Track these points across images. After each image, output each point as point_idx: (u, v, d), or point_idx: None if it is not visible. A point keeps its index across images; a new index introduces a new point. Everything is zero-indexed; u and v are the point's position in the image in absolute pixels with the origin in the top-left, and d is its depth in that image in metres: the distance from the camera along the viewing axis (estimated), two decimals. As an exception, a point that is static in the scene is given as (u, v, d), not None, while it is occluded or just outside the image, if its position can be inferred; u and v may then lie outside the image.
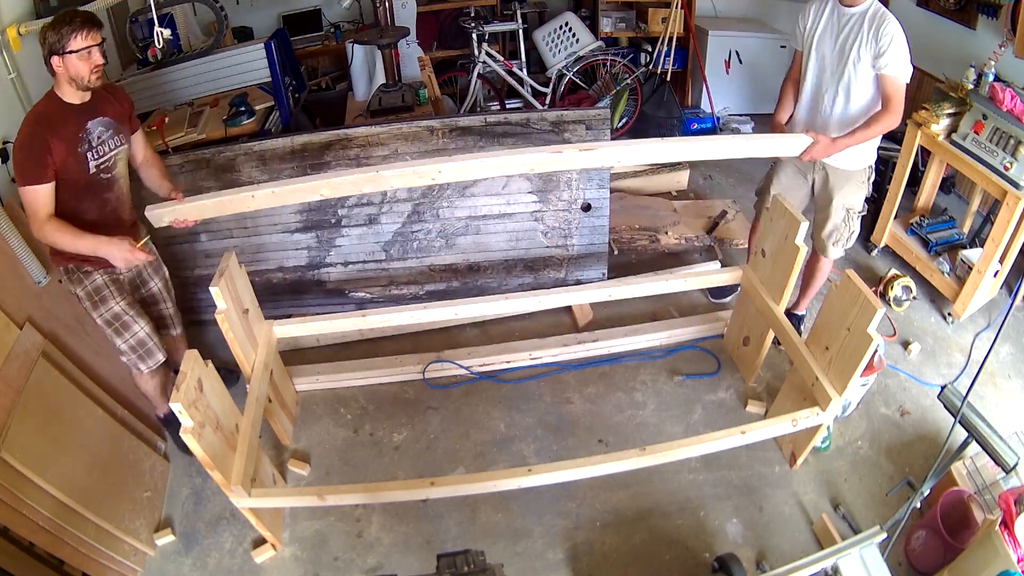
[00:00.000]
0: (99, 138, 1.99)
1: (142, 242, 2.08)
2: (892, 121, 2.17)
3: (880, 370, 2.43)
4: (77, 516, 1.93)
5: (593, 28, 4.69)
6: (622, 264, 3.30)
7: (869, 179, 2.44)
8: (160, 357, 2.22)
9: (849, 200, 2.45)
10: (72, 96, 1.92)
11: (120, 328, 2.11)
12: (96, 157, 1.98)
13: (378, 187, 2.23)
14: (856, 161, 2.36)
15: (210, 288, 2.06)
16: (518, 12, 4.40)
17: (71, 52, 1.84)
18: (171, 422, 2.38)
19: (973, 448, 1.84)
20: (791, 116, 2.51)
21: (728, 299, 3.06)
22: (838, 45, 2.24)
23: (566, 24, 4.51)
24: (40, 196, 1.86)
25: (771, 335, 2.48)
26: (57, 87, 1.91)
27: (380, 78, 3.49)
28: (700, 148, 2.37)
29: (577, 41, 4.47)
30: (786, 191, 2.51)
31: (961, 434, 1.81)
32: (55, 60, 1.85)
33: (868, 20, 2.15)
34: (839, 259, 2.63)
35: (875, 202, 2.90)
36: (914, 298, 3.04)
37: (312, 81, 4.56)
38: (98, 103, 1.99)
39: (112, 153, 2.04)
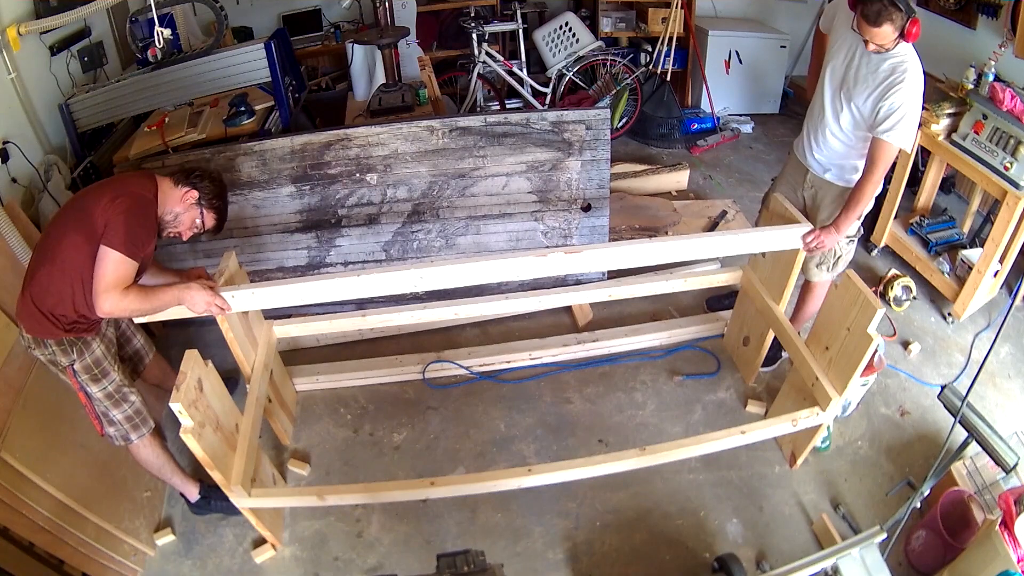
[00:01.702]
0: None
1: (213, 278, 2.02)
2: (874, 188, 2.07)
3: (880, 370, 2.43)
4: (77, 516, 1.93)
5: (593, 28, 4.70)
6: (622, 264, 3.30)
7: None
8: (152, 423, 2.06)
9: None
10: (160, 212, 1.90)
11: (120, 400, 1.96)
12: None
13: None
14: (846, 180, 2.24)
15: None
16: (518, 12, 4.39)
17: (201, 214, 1.93)
18: (208, 500, 2.24)
19: (973, 448, 1.84)
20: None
21: (776, 365, 2.78)
22: (844, 72, 2.09)
23: (566, 24, 4.51)
24: (131, 271, 1.77)
25: (771, 335, 2.48)
26: (162, 192, 1.88)
27: (380, 78, 3.50)
28: (695, 247, 2.18)
29: (577, 41, 4.47)
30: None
31: (961, 434, 1.81)
32: (193, 194, 1.90)
33: (885, 70, 1.96)
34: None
35: (875, 204, 2.79)
36: (914, 298, 3.04)
37: (312, 81, 4.56)
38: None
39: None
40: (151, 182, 1.88)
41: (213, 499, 2.24)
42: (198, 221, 1.95)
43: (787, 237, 2.19)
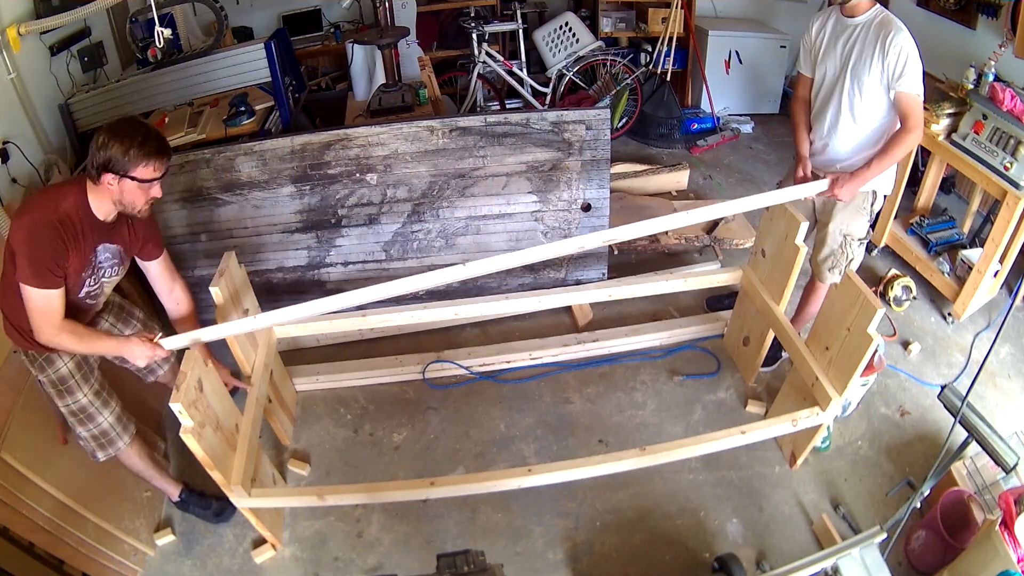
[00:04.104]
0: (100, 265, 1.78)
1: (159, 335, 1.84)
2: (913, 140, 2.05)
3: (880, 370, 2.43)
4: (77, 516, 1.93)
5: (593, 28, 4.70)
6: (622, 264, 3.30)
7: (872, 205, 2.28)
8: (120, 445, 1.96)
9: (847, 225, 2.30)
10: (101, 212, 1.68)
11: (85, 419, 1.88)
12: (91, 285, 1.78)
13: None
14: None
15: (210, 288, 2.06)
16: (518, 12, 4.40)
17: (132, 179, 1.61)
18: (188, 503, 2.25)
19: (973, 448, 1.84)
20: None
21: (776, 365, 2.77)
22: (841, 59, 2.13)
23: (566, 24, 4.51)
24: (54, 300, 1.63)
25: (771, 335, 2.48)
26: (92, 193, 1.65)
27: (380, 78, 3.50)
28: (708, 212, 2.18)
29: (577, 41, 4.48)
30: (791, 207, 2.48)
31: (961, 434, 1.81)
32: (108, 177, 1.60)
33: (874, 31, 2.02)
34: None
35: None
36: (914, 298, 3.04)
37: (312, 81, 4.56)
38: (118, 225, 1.76)
39: (107, 281, 1.85)
40: (72, 189, 1.66)
41: (191, 506, 2.27)
42: (137, 186, 1.64)
43: (809, 189, 2.19)
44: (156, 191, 1.69)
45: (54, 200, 1.64)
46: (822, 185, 2.18)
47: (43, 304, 1.62)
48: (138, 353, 1.78)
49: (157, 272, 1.94)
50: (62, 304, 1.66)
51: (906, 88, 2.01)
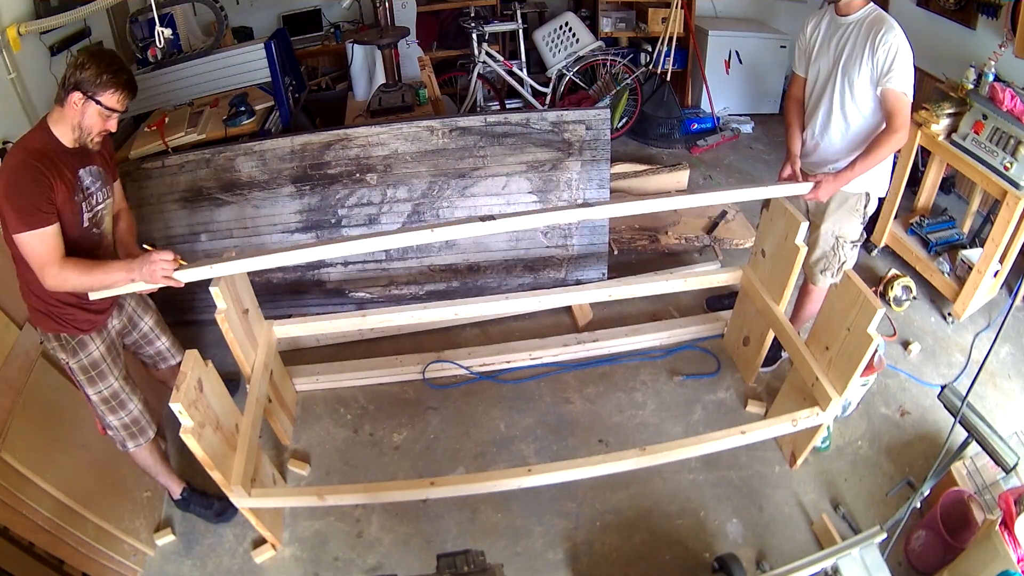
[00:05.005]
0: (89, 188, 1.76)
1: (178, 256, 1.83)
2: (899, 140, 2.02)
3: (880, 370, 2.43)
4: (77, 516, 1.93)
5: (593, 28, 4.70)
6: (622, 264, 3.30)
7: (865, 207, 2.26)
8: (151, 434, 2.03)
9: (839, 227, 2.29)
10: (67, 139, 1.69)
11: (116, 406, 1.92)
12: (88, 209, 1.76)
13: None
14: (851, 184, 2.16)
15: (210, 288, 2.06)
16: (518, 12, 4.40)
17: (98, 103, 1.65)
18: (190, 501, 2.26)
19: (973, 448, 1.84)
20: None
21: (724, 311, 2.87)
22: (833, 58, 2.11)
23: (566, 24, 4.51)
24: (50, 238, 1.62)
25: (771, 335, 2.48)
26: (54, 123, 1.67)
27: (380, 78, 3.50)
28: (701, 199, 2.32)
29: (577, 41, 4.48)
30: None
31: (961, 434, 1.81)
32: (76, 96, 1.62)
33: (866, 28, 2.00)
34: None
35: (876, 204, 2.72)
36: (914, 298, 3.04)
37: (312, 81, 4.57)
38: (87, 150, 1.75)
39: (101, 206, 1.82)
40: (34, 131, 1.69)
41: (193, 504, 2.27)
42: (104, 111, 1.67)
43: (790, 190, 2.22)
44: (112, 124, 1.73)
45: (20, 146, 1.67)
46: (803, 188, 2.17)
47: (39, 245, 1.62)
48: (159, 270, 1.75)
49: (117, 193, 1.95)
50: (59, 241, 1.65)
51: (893, 85, 1.98)
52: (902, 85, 1.98)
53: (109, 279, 1.75)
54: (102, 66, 1.63)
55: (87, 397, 1.91)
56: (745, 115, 4.78)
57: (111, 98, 1.66)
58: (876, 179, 2.22)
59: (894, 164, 2.38)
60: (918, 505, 2.03)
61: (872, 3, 2.07)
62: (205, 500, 2.26)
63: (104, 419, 1.94)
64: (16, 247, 1.65)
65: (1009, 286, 3.02)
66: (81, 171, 1.74)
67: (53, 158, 1.65)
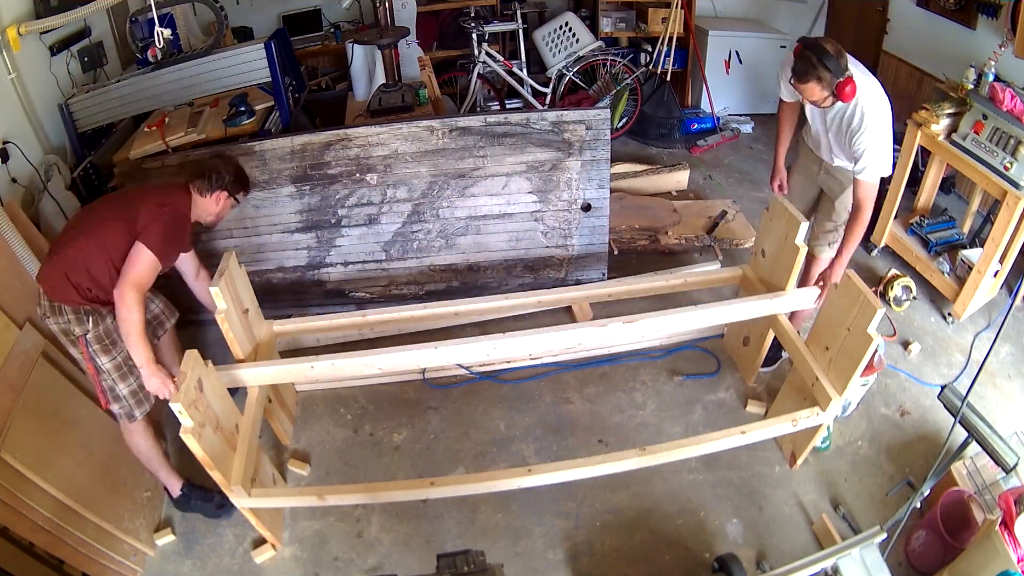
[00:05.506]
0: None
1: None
2: (860, 230, 2.19)
3: (880, 370, 2.43)
4: (77, 516, 1.93)
5: (593, 28, 4.70)
6: (622, 264, 3.30)
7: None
8: (152, 400, 2.09)
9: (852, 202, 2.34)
10: (195, 216, 2.13)
11: (128, 371, 2.01)
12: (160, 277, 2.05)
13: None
14: None
15: (210, 288, 2.06)
16: (518, 12, 4.40)
17: (233, 201, 2.18)
18: (189, 499, 2.28)
19: (973, 448, 1.84)
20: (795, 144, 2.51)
21: (776, 365, 2.77)
22: (823, 125, 2.25)
23: (566, 24, 4.51)
24: (154, 272, 1.93)
25: (771, 335, 2.48)
26: (194, 207, 2.11)
27: (380, 78, 3.49)
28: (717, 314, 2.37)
29: (577, 41, 4.47)
30: (799, 192, 2.53)
31: (961, 434, 1.81)
32: (221, 195, 2.12)
33: (845, 124, 2.11)
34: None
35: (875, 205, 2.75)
36: (914, 298, 3.04)
37: (312, 81, 4.56)
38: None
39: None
40: (188, 196, 2.10)
41: (193, 499, 2.28)
42: (231, 205, 2.21)
43: (802, 300, 2.35)
44: (226, 215, 2.26)
45: (183, 201, 2.09)
46: (811, 295, 2.32)
47: (147, 269, 1.90)
48: (155, 382, 1.91)
49: (191, 261, 2.24)
50: (155, 277, 1.96)
51: (864, 177, 2.11)
52: (873, 177, 2.12)
53: (133, 346, 1.90)
54: (243, 173, 2.22)
55: (97, 369, 1.98)
56: (745, 115, 4.78)
57: (242, 196, 2.24)
58: (883, 160, 2.24)
59: (896, 151, 2.42)
60: (918, 505, 2.04)
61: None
62: (205, 493, 2.28)
63: (115, 388, 2.00)
64: (131, 251, 1.89)
65: (1009, 286, 3.02)
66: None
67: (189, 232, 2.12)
